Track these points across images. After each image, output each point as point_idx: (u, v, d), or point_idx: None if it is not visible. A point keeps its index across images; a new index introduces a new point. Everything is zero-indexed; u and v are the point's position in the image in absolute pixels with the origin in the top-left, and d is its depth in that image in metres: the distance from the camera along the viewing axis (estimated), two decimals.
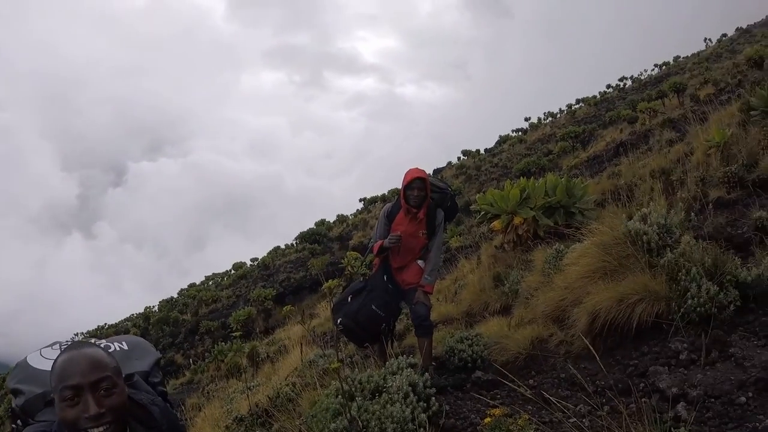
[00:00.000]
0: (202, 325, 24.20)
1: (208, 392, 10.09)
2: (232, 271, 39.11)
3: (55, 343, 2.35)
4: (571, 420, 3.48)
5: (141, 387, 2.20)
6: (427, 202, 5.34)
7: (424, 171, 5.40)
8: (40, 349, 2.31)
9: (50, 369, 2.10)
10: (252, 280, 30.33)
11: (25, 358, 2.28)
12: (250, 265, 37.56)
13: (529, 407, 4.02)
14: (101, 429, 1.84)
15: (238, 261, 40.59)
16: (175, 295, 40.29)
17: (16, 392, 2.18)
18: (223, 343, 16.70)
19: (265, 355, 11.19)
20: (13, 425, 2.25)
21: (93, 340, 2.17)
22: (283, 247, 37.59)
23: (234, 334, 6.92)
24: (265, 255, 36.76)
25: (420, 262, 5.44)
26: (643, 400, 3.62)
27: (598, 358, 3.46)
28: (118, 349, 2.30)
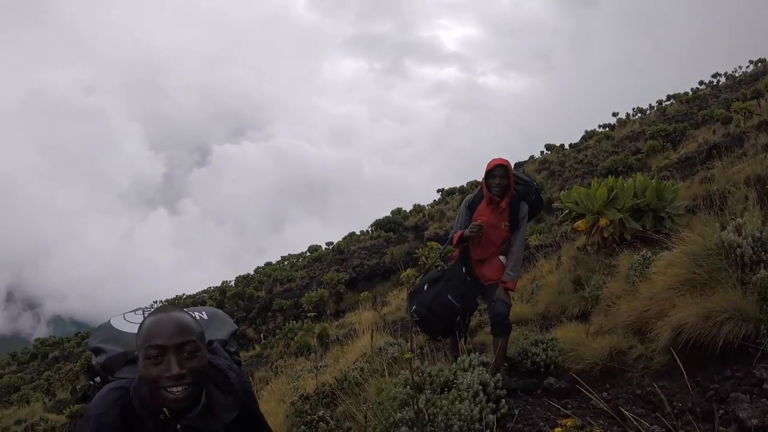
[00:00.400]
0: (275, 303, 24.76)
1: (276, 367, 10.28)
2: (308, 254, 39.79)
3: (138, 309, 2.53)
4: None
5: (220, 353, 2.34)
6: (510, 193, 5.18)
7: (506, 160, 5.26)
8: (124, 314, 2.48)
9: (132, 331, 2.24)
10: (326, 264, 30.74)
11: (109, 320, 2.44)
12: (325, 248, 38.12)
13: (601, 422, 3.85)
14: (180, 389, 1.94)
15: (314, 244, 41.32)
16: (252, 272, 41.40)
17: (98, 351, 2.31)
18: (294, 322, 17.05)
19: (335, 337, 11.31)
20: (91, 382, 2.36)
21: None
22: (358, 233, 37.91)
23: (308, 314, 7.02)
24: (341, 240, 37.17)
25: (501, 257, 5.28)
26: (721, 428, 3.40)
27: (685, 376, 3.26)
28: (198, 318, 2.42)
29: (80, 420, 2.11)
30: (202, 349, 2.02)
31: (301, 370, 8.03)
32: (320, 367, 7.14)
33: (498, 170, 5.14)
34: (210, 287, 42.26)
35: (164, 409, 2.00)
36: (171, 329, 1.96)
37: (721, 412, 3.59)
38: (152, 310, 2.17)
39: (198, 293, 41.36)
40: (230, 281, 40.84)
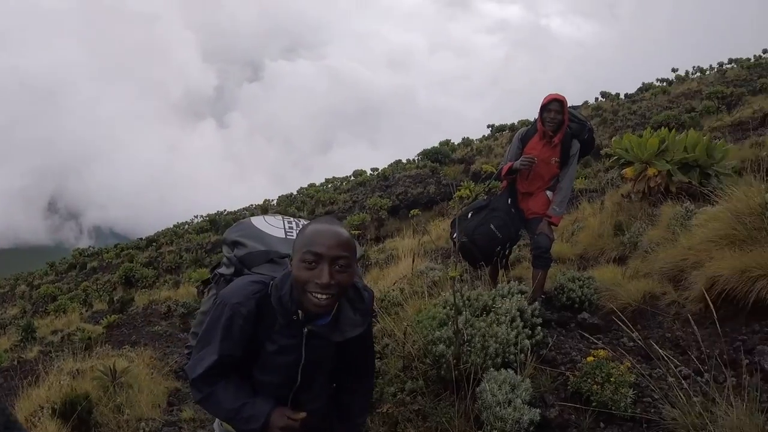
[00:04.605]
0: None
1: None
2: (352, 177, 39.92)
3: (277, 214, 2.74)
4: (670, 379, 3.48)
5: (357, 273, 2.43)
6: (564, 129, 5.23)
7: (563, 96, 5.27)
8: (264, 216, 2.66)
9: (274, 234, 2.51)
10: (370, 189, 30.79)
11: (249, 219, 2.63)
12: (370, 174, 38.19)
13: (630, 358, 4.05)
14: (324, 297, 2.08)
15: (359, 168, 41.40)
16: (295, 193, 41.86)
17: (236, 244, 2.51)
18: None
19: (375, 260, 11.61)
20: (217, 272, 2.60)
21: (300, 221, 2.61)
22: (404, 161, 37.81)
23: (353, 232, 7.22)
24: (386, 166, 37.15)
25: (548, 192, 5.36)
26: (744, 376, 3.60)
27: (717, 324, 3.44)
28: None
29: (214, 305, 2.26)
30: (352, 266, 2.13)
31: None
32: None
33: (554, 105, 5.19)
34: (252, 204, 42.79)
35: (299, 311, 2.17)
36: (332, 241, 2.07)
37: (746, 361, 3.75)
38: (319, 217, 2.31)
39: (239, 210, 41.91)
40: (272, 200, 41.41)
